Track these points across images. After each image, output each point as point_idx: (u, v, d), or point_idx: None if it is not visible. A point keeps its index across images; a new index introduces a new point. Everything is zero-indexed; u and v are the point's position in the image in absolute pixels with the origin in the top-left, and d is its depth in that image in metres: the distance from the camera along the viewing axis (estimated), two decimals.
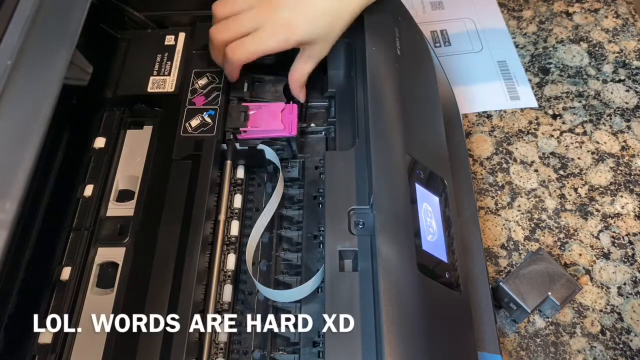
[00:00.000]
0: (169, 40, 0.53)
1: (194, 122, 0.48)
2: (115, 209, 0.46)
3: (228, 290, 0.43)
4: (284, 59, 0.51)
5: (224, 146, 0.48)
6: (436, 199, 0.42)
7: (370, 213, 0.40)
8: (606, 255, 0.53)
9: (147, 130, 0.49)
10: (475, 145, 0.60)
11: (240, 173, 0.49)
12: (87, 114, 0.51)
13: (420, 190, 0.41)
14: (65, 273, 0.43)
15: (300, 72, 0.48)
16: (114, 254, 0.43)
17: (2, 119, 0.34)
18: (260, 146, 0.48)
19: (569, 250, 0.54)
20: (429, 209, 0.41)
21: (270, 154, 0.48)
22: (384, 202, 0.39)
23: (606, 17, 0.70)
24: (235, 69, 0.48)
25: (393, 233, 0.38)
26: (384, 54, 0.47)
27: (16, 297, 0.42)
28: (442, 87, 0.54)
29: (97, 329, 0.40)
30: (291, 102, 0.49)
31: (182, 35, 0.53)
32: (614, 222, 0.55)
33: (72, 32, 0.40)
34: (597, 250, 0.54)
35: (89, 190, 0.47)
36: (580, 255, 0.54)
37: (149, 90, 0.50)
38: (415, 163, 0.42)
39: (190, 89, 0.49)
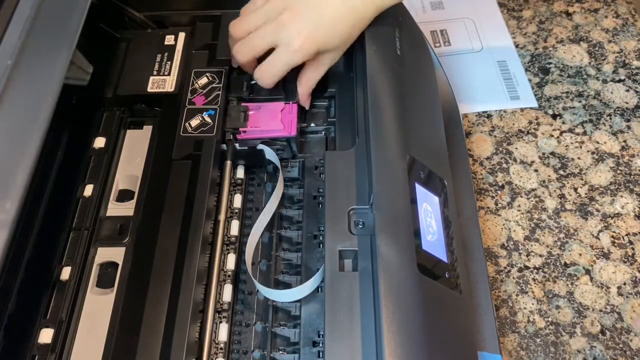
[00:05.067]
0: (169, 40, 0.53)
1: (194, 122, 0.48)
2: (115, 209, 0.46)
3: (228, 290, 0.43)
4: None
5: (224, 146, 0.48)
6: (436, 198, 0.42)
7: (370, 213, 0.40)
8: (606, 255, 0.53)
9: (147, 130, 0.49)
10: (475, 145, 0.60)
11: (240, 173, 0.49)
12: (87, 114, 0.51)
13: (420, 190, 0.41)
14: (65, 273, 0.43)
15: (312, 80, 0.48)
16: (114, 253, 0.43)
17: (2, 118, 0.34)
18: (260, 146, 0.48)
19: (569, 250, 0.54)
20: (429, 208, 0.41)
21: (270, 154, 0.48)
22: (383, 202, 0.39)
23: (606, 17, 0.70)
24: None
25: (393, 233, 0.38)
26: (383, 53, 0.47)
27: (16, 297, 0.42)
28: (442, 87, 0.54)
29: (97, 329, 0.40)
30: (291, 101, 0.49)
31: (182, 35, 0.53)
32: (614, 222, 0.55)
33: (72, 32, 0.40)
34: (597, 250, 0.54)
35: (89, 190, 0.47)
36: (580, 255, 0.54)
37: (149, 90, 0.50)
38: (415, 163, 0.42)
39: (190, 88, 0.49)
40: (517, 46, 0.68)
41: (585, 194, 0.57)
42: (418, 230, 0.39)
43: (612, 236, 0.54)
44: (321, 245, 0.44)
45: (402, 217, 0.39)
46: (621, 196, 0.57)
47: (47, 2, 0.39)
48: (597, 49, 0.67)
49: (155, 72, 0.51)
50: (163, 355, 0.37)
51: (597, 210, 0.56)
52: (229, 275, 0.44)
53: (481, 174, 0.58)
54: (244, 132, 0.47)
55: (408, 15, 0.53)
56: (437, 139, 0.47)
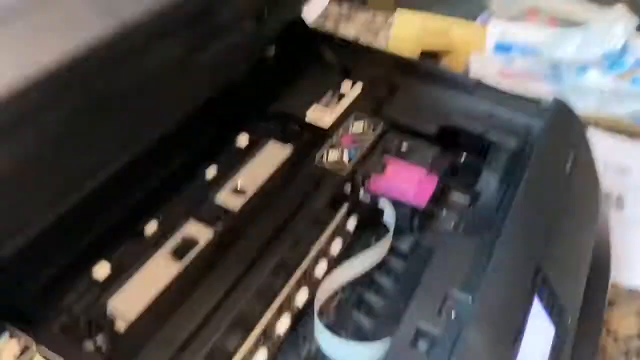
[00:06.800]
0: (346, 84, 0.54)
1: (332, 156, 0.47)
2: (225, 199, 0.45)
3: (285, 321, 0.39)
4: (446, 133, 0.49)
5: (348, 188, 0.46)
6: (552, 328, 0.35)
7: (468, 303, 0.35)
8: None
9: (288, 147, 0.49)
10: (613, 316, 0.51)
11: (351, 224, 0.46)
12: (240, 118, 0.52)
13: (537, 306, 0.34)
14: (151, 228, 0.43)
15: None
16: (201, 232, 0.42)
17: None
18: (382, 204, 0.45)
19: None
20: (539, 332, 0.34)
21: (388, 215, 0.45)
22: (490, 296, 0.33)
23: None
24: None
25: (487, 334, 0.32)
26: (549, 165, 0.43)
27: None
28: (599, 239, 0.48)
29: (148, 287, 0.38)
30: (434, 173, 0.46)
31: (359, 85, 0.54)
32: None
33: None
34: None
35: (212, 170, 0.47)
36: None
37: (306, 118, 0.51)
38: (544, 278, 0.36)
39: (342, 126, 0.49)
40: None
41: None
42: (517, 343, 0.32)
43: None
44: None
45: (503, 323, 0.33)
46: None
47: None
48: None
49: (318, 103, 0.52)
50: None
51: None
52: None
53: (611, 352, 0.48)
54: (374, 182, 0.45)
55: (588, 150, 0.49)
56: (575, 274, 0.40)
